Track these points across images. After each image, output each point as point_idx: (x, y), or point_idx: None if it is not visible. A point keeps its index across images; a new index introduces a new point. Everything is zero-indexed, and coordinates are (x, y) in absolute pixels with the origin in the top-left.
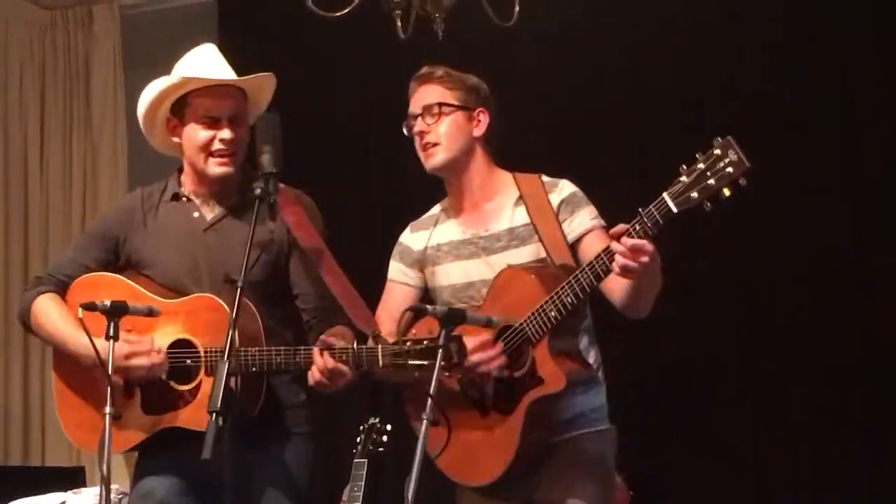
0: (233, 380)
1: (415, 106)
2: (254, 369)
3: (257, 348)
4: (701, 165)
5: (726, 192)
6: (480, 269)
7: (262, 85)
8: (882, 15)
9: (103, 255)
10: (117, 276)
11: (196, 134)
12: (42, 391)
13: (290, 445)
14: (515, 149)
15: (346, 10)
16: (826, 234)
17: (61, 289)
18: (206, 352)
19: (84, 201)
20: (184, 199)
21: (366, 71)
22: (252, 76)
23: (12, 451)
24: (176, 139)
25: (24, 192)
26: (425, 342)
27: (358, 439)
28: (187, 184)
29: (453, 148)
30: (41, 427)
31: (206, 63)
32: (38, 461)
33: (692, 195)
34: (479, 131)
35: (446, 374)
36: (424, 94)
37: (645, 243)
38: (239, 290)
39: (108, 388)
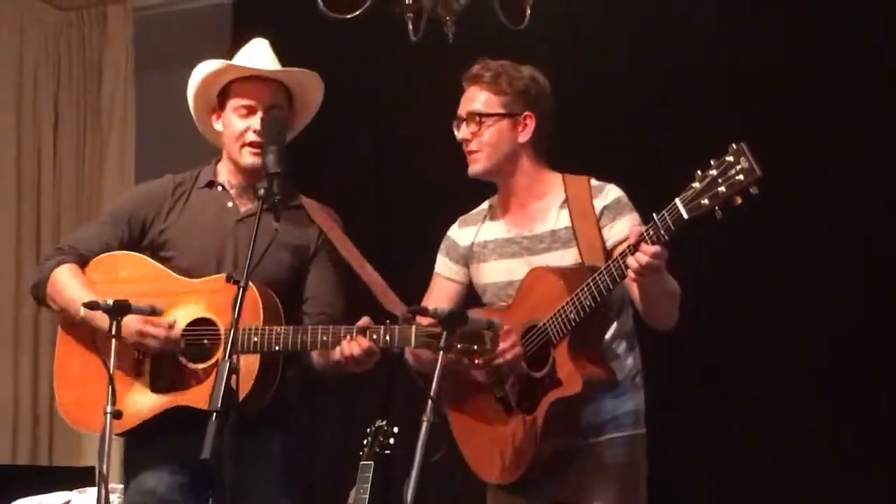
0: (234, 378)
1: (462, 108)
2: (277, 348)
3: (283, 326)
4: (713, 172)
5: (738, 199)
6: (522, 269)
7: (305, 83)
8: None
9: (127, 235)
10: (139, 255)
11: (232, 122)
12: (51, 390)
13: (287, 440)
14: None
15: (358, 12)
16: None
17: (82, 262)
18: (226, 331)
19: (89, 202)
20: (219, 187)
21: (378, 73)
22: (293, 69)
23: (20, 450)
24: (219, 128)
25: (37, 192)
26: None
27: (365, 441)
28: (224, 173)
29: (494, 157)
30: (49, 426)
31: (253, 54)
32: (45, 461)
33: (703, 202)
34: (524, 137)
35: (477, 361)
36: (471, 98)
37: (658, 249)
38: (242, 290)
39: (111, 388)
